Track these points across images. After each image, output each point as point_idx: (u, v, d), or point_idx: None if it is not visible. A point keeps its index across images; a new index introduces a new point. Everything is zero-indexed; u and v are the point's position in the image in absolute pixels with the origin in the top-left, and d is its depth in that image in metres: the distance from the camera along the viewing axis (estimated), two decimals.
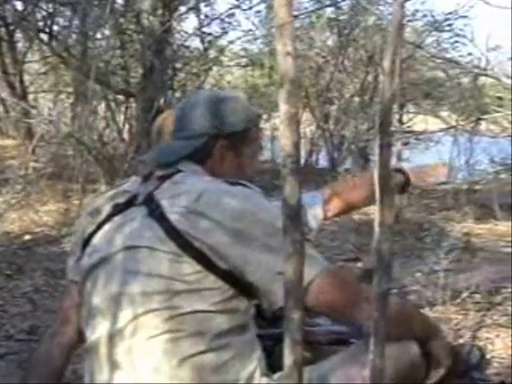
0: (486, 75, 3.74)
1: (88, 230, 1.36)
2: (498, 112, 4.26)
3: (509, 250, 3.53)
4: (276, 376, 1.26)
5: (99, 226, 1.33)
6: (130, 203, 1.31)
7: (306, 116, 7.74)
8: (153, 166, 1.40)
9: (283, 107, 0.79)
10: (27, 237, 3.98)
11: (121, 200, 1.34)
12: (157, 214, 1.24)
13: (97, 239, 1.33)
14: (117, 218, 1.31)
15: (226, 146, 1.40)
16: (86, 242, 1.35)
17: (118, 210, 1.32)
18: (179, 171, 1.33)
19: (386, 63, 0.63)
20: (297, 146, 0.79)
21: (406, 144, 6.95)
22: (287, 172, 0.79)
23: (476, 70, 3.91)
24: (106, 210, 1.35)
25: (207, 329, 1.20)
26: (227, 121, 1.40)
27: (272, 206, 1.26)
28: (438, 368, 1.44)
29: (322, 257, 1.27)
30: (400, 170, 1.87)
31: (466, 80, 6.37)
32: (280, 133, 0.79)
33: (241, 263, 1.21)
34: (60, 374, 1.42)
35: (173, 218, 1.22)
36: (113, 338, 1.23)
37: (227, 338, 1.22)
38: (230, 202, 1.24)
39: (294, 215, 0.79)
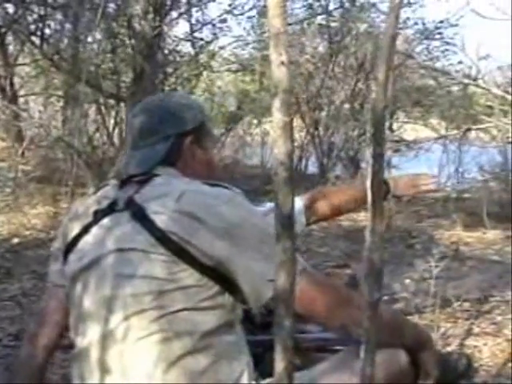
0: (476, 85, 3.77)
1: (70, 236, 1.36)
2: (488, 121, 4.28)
3: (497, 258, 3.56)
4: (265, 382, 1.26)
5: (83, 232, 1.33)
6: (110, 209, 1.32)
7: (296, 122, 7.75)
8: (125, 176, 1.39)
9: (277, 116, 0.80)
10: (16, 240, 3.96)
11: (100, 206, 1.34)
12: (140, 216, 1.24)
13: (83, 244, 1.33)
14: (100, 224, 1.31)
15: (193, 141, 1.42)
16: (69, 247, 1.36)
17: (100, 216, 1.32)
18: (156, 175, 1.34)
19: (380, 74, 0.64)
20: (290, 154, 0.80)
21: (396, 151, 6.98)
22: (280, 180, 0.79)
23: (466, 80, 3.93)
24: (87, 216, 1.35)
25: (194, 328, 1.20)
26: (187, 117, 1.42)
27: (253, 208, 1.30)
28: (426, 379, 1.45)
29: (302, 260, 1.30)
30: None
31: (455, 88, 6.41)
32: (273, 141, 0.80)
33: (226, 262, 1.22)
34: (42, 375, 1.42)
35: (156, 218, 1.22)
36: (104, 341, 1.23)
37: (214, 337, 1.22)
38: (211, 201, 1.26)
39: (287, 223, 0.79)
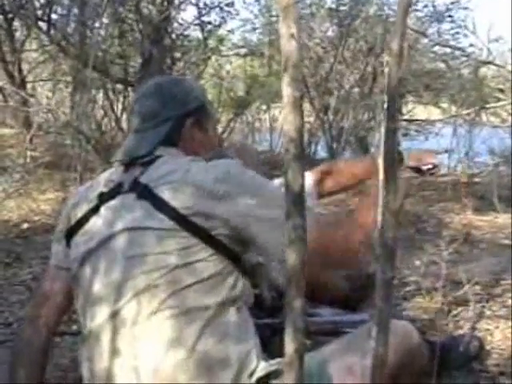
0: (489, 63, 3.72)
1: (75, 219, 1.36)
2: (502, 99, 4.23)
3: (508, 241, 3.53)
4: (275, 361, 1.25)
5: (88, 215, 1.33)
6: (115, 191, 1.31)
7: (305, 107, 7.71)
8: (128, 159, 1.39)
9: (286, 91, 0.78)
10: (25, 225, 3.97)
11: (105, 189, 1.33)
12: (147, 195, 1.24)
13: (90, 227, 1.32)
14: (106, 206, 1.31)
15: (194, 123, 1.43)
16: (74, 230, 1.35)
17: (106, 198, 1.32)
18: (159, 157, 1.33)
19: (394, 44, 0.62)
20: (300, 131, 0.78)
21: (405, 135, 6.93)
22: (290, 157, 0.77)
23: (479, 58, 3.88)
24: (92, 199, 1.34)
25: (203, 304, 1.20)
26: (187, 99, 1.43)
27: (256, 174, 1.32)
28: None
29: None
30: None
31: (466, 71, 6.34)
32: (283, 118, 0.78)
33: (243, 224, 1.24)
34: (44, 357, 1.42)
35: (165, 196, 1.23)
36: (114, 323, 1.22)
37: (222, 316, 1.22)
38: (217, 170, 1.27)
39: (297, 200, 0.77)
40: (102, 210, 1.31)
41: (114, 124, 6.06)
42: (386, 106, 0.66)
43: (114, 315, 1.22)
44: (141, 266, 1.21)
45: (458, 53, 5.97)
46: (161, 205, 1.22)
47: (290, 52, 0.76)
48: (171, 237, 1.21)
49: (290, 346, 0.83)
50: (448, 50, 6.56)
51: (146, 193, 1.25)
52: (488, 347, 2.01)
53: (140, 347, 1.19)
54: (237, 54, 7.79)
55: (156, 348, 1.18)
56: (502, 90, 5.08)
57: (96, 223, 1.31)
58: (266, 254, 1.29)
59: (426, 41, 6.30)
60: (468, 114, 4.89)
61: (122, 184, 1.31)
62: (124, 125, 6.04)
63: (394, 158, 0.71)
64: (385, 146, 0.69)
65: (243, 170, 1.30)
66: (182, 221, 1.21)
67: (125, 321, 1.21)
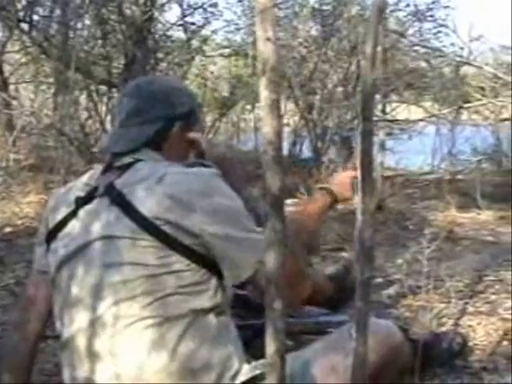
0: (468, 63, 3.75)
1: (53, 223, 1.35)
2: (480, 99, 4.27)
3: (491, 238, 3.56)
4: (257, 363, 1.26)
5: (66, 219, 1.32)
6: (91, 195, 1.30)
7: (289, 106, 7.72)
8: (109, 155, 1.38)
9: (264, 94, 0.78)
10: (8, 229, 3.94)
11: (81, 193, 1.32)
12: (119, 202, 1.23)
13: (67, 231, 1.31)
14: (83, 211, 1.30)
15: (182, 127, 1.40)
16: (52, 234, 1.34)
17: (82, 202, 1.31)
18: (139, 160, 1.32)
19: (368, 48, 0.62)
20: (278, 133, 0.79)
21: (388, 134, 6.95)
22: (269, 159, 0.78)
23: (458, 58, 3.91)
24: (70, 203, 1.33)
25: (184, 312, 1.20)
26: (178, 102, 1.41)
27: (229, 188, 1.28)
28: None
29: None
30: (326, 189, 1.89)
31: (448, 70, 6.38)
32: (261, 120, 0.78)
33: (207, 238, 1.21)
34: (30, 363, 1.41)
35: (137, 203, 1.21)
36: (93, 329, 1.22)
37: (203, 320, 1.22)
38: (191, 180, 1.25)
39: (276, 203, 0.78)
40: (80, 213, 1.30)
41: (98, 126, 6.03)
42: (361, 108, 0.66)
43: (94, 322, 1.21)
44: (118, 275, 1.20)
45: (438, 53, 6.01)
46: (133, 213, 1.21)
47: (267, 55, 0.76)
48: (148, 247, 1.19)
49: (271, 347, 0.83)
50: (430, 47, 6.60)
51: (119, 199, 1.24)
52: (471, 343, 2.03)
53: (121, 353, 1.19)
54: (221, 55, 7.79)
55: (137, 353, 1.18)
56: (483, 89, 5.12)
57: (74, 227, 1.30)
58: (233, 273, 1.23)
59: (407, 41, 6.33)
60: (449, 113, 4.92)
61: (98, 187, 1.30)
62: (108, 126, 6.01)
63: (370, 159, 0.72)
64: (361, 147, 0.70)
65: (219, 184, 1.27)
66: (154, 230, 1.19)
67: (105, 327, 1.20)
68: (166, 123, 1.38)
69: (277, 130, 0.77)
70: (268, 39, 0.74)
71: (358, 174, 0.75)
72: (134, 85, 1.46)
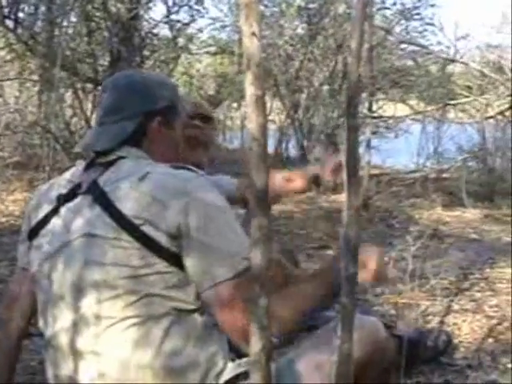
0: (453, 61, 3.77)
1: (35, 220, 1.33)
2: (466, 96, 4.29)
3: (476, 236, 3.58)
4: (241, 361, 1.25)
5: (48, 217, 1.30)
6: (74, 192, 1.29)
7: (275, 105, 7.73)
8: (89, 152, 1.36)
9: (249, 90, 0.78)
10: None
11: (64, 190, 1.31)
12: (102, 201, 1.22)
13: (49, 229, 1.30)
14: (65, 208, 1.28)
15: (161, 121, 1.37)
16: (34, 231, 1.33)
17: (64, 200, 1.29)
18: (122, 157, 1.31)
19: (353, 42, 0.62)
20: (263, 129, 0.78)
21: (374, 133, 6.97)
22: (254, 155, 0.77)
23: (444, 55, 3.93)
24: (52, 200, 1.32)
25: (168, 311, 1.19)
26: (158, 96, 1.37)
27: (215, 191, 1.25)
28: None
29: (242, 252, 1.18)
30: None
31: (434, 68, 6.42)
32: (246, 116, 0.78)
33: (185, 241, 1.18)
34: (13, 361, 1.40)
35: (118, 203, 1.20)
36: (75, 327, 1.21)
37: (187, 320, 1.21)
38: (172, 182, 1.22)
39: (261, 199, 0.78)
40: (62, 211, 1.28)
41: (83, 123, 5.99)
42: (346, 104, 0.66)
43: (76, 321, 1.20)
44: (100, 274, 1.18)
45: (425, 50, 6.04)
46: (114, 212, 1.19)
47: (252, 51, 0.76)
48: (126, 248, 1.17)
49: (256, 344, 0.83)
50: (416, 47, 6.62)
51: (101, 198, 1.22)
52: (456, 341, 2.04)
53: (105, 352, 1.18)
54: (207, 53, 7.78)
55: (121, 351, 1.17)
56: (469, 87, 5.15)
57: (56, 225, 1.28)
58: (193, 280, 1.19)
59: (393, 38, 6.36)
60: (435, 110, 4.94)
61: (81, 184, 1.29)
62: (94, 124, 5.98)
63: (356, 155, 0.72)
64: (346, 143, 0.70)
65: (201, 185, 1.23)
66: (133, 230, 1.17)
67: (88, 326, 1.19)
68: (145, 119, 1.35)
69: (262, 125, 0.77)
70: (253, 34, 0.73)
71: (344, 170, 0.75)
72: (111, 80, 1.43)
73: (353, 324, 0.81)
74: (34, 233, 1.33)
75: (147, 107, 1.36)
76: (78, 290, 1.21)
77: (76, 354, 1.21)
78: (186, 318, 1.21)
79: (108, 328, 1.18)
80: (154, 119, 1.36)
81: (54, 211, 1.30)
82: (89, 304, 1.19)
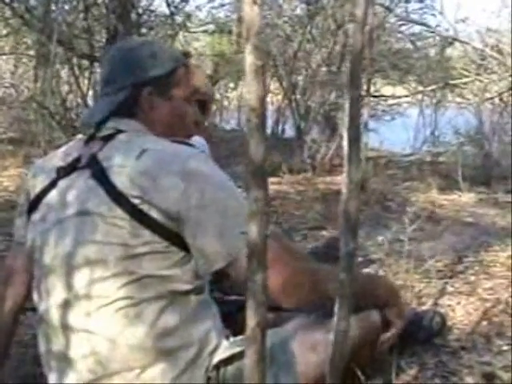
0: (454, 40, 3.74)
1: (33, 193, 1.32)
2: (464, 83, 4.27)
3: (471, 219, 3.58)
4: (236, 339, 1.24)
5: (46, 190, 1.29)
6: (73, 166, 1.27)
7: (273, 85, 7.69)
8: (87, 128, 1.34)
9: (249, 60, 0.76)
10: None
11: (63, 163, 1.29)
12: (100, 176, 1.20)
13: (46, 203, 1.28)
14: (63, 182, 1.26)
15: (152, 92, 1.34)
16: (33, 205, 1.31)
17: (63, 173, 1.28)
18: (121, 131, 1.29)
19: (358, 11, 0.60)
20: (262, 100, 0.76)
21: (372, 116, 6.95)
22: (252, 127, 0.76)
23: (445, 34, 3.89)
24: (51, 173, 1.30)
25: (161, 292, 1.17)
26: (147, 66, 1.35)
27: (214, 168, 1.24)
28: (388, 329, 1.46)
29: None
30: None
31: (433, 51, 6.37)
32: (245, 86, 0.76)
33: (181, 220, 1.17)
34: (10, 336, 1.40)
35: (116, 179, 1.18)
36: (68, 304, 1.20)
37: (181, 299, 1.20)
38: (169, 158, 1.20)
39: (258, 172, 0.76)
40: (60, 184, 1.27)
41: (79, 100, 5.94)
42: (349, 74, 0.64)
43: (69, 298, 1.19)
44: (95, 253, 1.17)
45: (425, 33, 6.00)
46: (112, 191, 1.17)
47: (252, 19, 0.74)
48: (121, 226, 1.16)
49: (251, 320, 0.82)
50: (415, 30, 6.58)
51: (99, 173, 1.20)
52: (450, 323, 2.04)
53: (96, 331, 1.17)
54: (205, 31, 7.71)
55: (113, 330, 1.16)
56: (467, 71, 5.12)
57: (51, 201, 1.27)
58: (203, 260, 1.18)
59: (393, 20, 6.31)
60: (433, 91, 4.92)
61: (80, 158, 1.27)
62: (90, 101, 5.94)
63: (358, 127, 0.70)
64: (349, 114, 0.68)
65: (198, 165, 1.20)
66: (128, 206, 1.15)
67: (80, 305, 1.18)
68: (134, 90, 1.33)
69: (261, 96, 0.75)
70: (254, 2, 0.71)
71: (345, 142, 0.73)
72: (110, 51, 1.43)
73: (350, 301, 0.80)
74: (33, 206, 1.31)
75: (135, 79, 1.34)
76: (71, 267, 1.19)
77: (67, 330, 1.20)
78: (181, 300, 1.20)
79: (100, 308, 1.17)
80: (142, 90, 1.34)
81: (52, 184, 1.28)
82: (81, 282, 1.18)
